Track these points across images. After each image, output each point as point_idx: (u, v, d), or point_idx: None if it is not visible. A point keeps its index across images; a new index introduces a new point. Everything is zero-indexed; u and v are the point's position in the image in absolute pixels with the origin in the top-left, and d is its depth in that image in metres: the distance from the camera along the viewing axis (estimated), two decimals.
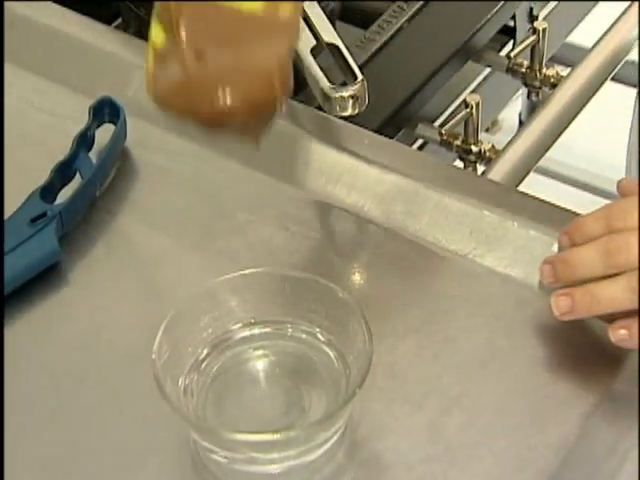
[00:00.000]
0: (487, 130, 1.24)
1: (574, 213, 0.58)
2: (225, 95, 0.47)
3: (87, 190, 0.62)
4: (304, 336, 0.54)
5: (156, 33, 0.47)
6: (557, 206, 0.60)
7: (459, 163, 0.75)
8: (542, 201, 0.61)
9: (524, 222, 0.59)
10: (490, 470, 0.50)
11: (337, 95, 0.61)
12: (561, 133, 0.74)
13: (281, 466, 0.50)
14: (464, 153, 0.76)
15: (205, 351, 0.53)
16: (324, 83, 0.62)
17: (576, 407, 0.52)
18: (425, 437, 0.51)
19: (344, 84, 0.62)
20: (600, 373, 0.53)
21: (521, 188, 0.70)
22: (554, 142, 0.74)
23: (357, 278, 0.60)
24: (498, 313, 0.56)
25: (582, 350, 0.54)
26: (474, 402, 0.52)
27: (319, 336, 0.53)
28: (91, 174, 0.62)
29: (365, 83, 0.61)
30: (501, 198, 0.61)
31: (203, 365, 0.53)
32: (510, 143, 0.73)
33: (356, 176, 0.63)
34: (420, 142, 0.79)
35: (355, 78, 0.61)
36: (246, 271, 0.53)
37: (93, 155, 0.64)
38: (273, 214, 0.62)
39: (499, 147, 0.75)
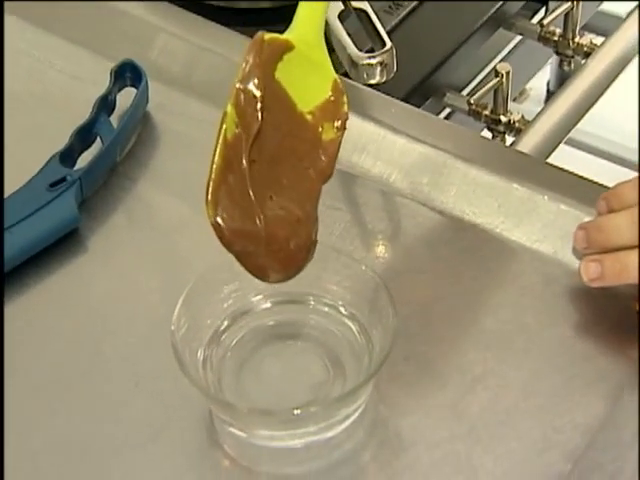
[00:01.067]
0: (514, 99, 1.22)
1: (606, 187, 0.56)
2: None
3: (107, 155, 0.61)
4: (326, 309, 0.52)
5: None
6: (589, 179, 0.58)
7: (487, 133, 0.73)
8: (573, 174, 0.59)
9: (554, 196, 0.57)
10: (514, 451, 0.48)
11: (365, 62, 0.59)
12: (593, 104, 0.71)
13: (300, 442, 0.49)
14: (493, 123, 0.74)
15: (225, 323, 0.52)
16: (351, 49, 0.60)
17: (604, 388, 0.50)
18: (448, 416, 0.50)
19: (372, 50, 0.60)
20: (630, 353, 0.51)
21: (551, 160, 0.68)
22: (586, 113, 0.72)
23: (382, 250, 0.58)
24: (525, 290, 0.55)
25: (611, 330, 0.53)
26: (499, 381, 0.51)
27: (342, 310, 0.52)
28: (112, 139, 0.61)
29: (393, 50, 0.59)
30: (531, 171, 0.59)
31: (223, 337, 0.52)
32: (540, 114, 0.71)
33: (382, 146, 0.62)
34: (447, 111, 0.77)
35: (383, 45, 0.59)
36: None
37: (114, 119, 0.63)
38: None
39: (527, 117, 0.73)
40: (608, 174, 0.73)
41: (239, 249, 0.46)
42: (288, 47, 0.48)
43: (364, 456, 0.49)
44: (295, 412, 0.47)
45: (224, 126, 0.45)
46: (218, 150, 0.45)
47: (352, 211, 0.60)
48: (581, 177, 0.59)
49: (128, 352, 0.54)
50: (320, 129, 0.49)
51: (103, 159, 0.61)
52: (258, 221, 0.46)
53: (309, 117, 0.48)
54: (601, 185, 0.57)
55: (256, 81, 0.46)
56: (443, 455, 0.48)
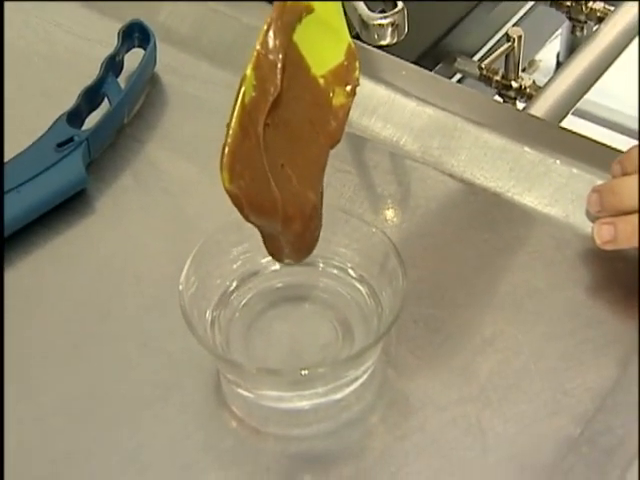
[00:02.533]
0: (524, 69, 1.21)
1: (618, 151, 0.56)
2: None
3: (115, 116, 0.60)
4: (335, 272, 0.52)
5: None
6: (602, 143, 0.58)
7: (498, 99, 0.72)
8: (586, 138, 0.58)
9: (566, 159, 0.57)
10: (524, 413, 0.48)
11: (376, 22, 0.58)
12: (606, 69, 0.71)
13: (308, 403, 0.48)
14: (503, 89, 0.73)
15: (234, 284, 0.51)
16: (362, 10, 0.59)
17: (615, 351, 0.50)
18: (457, 378, 0.49)
19: (383, 12, 0.59)
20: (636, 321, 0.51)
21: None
22: (598, 79, 0.71)
23: (391, 214, 0.58)
24: (536, 253, 0.54)
25: (623, 293, 0.52)
26: (509, 343, 0.50)
27: (351, 272, 0.52)
28: (119, 100, 0.60)
29: (405, 10, 0.58)
30: (543, 134, 0.59)
31: (231, 298, 0.51)
32: (552, 79, 0.71)
33: (392, 109, 0.61)
34: (458, 77, 0.76)
35: (395, 5, 0.59)
36: None
37: (122, 80, 0.62)
38: None
39: (541, 84, 0.72)
40: (617, 144, 0.73)
41: (257, 224, 0.46)
42: (308, 10, 0.47)
43: (372, 418, 0.48)
44: (303, 373, 0.46)
45: (242, 89, 0.45)
46: (235, 114, 0.45)
47: (361, 174, 0.60)
48: (594, 141, 0.58)
49: (136, 313, 0.53)
50: (331, 94, 0.48)
51: (111, 120, 0.60)
52: (273, 196, 0.45)
53: (322, 81, 0.47)
54: (614, 149, 0.57)
55: (277, 45, 0.45)
56: (452, 418, 0.48)
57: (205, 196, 0.59)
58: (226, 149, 0.44)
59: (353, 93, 0.49)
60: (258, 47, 0.45)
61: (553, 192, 0.56)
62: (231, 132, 0.44)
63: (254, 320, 0.51)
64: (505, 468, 0.46)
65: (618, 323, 0.51)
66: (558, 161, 0.57)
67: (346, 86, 0.48)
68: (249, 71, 0.45)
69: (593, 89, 0.71)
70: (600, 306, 0.52)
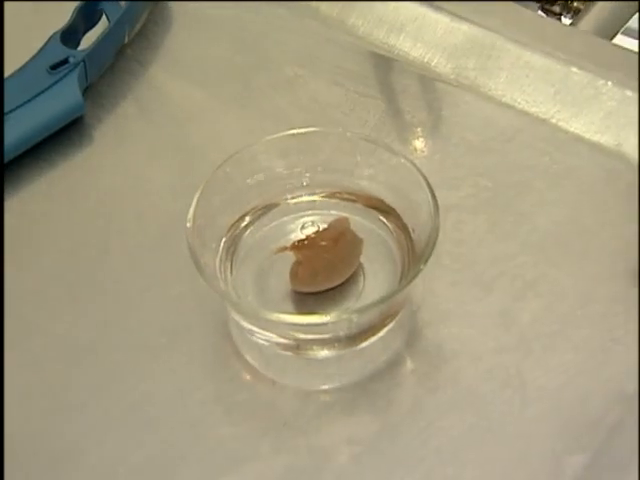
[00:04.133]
0: None
1: None
2: None
3: (114, 35, 0.59)
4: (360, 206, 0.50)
5: None
6: None
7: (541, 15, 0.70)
8: None
9: (619, 80, 0.55)
10: (569, 363, 0.46)
11: None
12: None
13: (330, 353, 0.47)
14: (547, 3, 0.70)
15: (247, 219, 0.50)
16: None
17: None
18: (495, 325, 0.48)
19: None
20: None
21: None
22: None
23: (421, 144, 0.56)
24: (584, 187, 0.52)
25: None
26: (553, 287, 0.49)
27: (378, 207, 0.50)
28: (119, 17, 0.59)
29: None
30: (592, 52, 0.57)
31: (244, 235, 0.50)
32: None
33: (422, 26, 0.59)
34: None
35: None
36: (294, 130, 0.50)
37: None
38: (325, 68, 0.59)
39: None
40: None
41: None
42: None
43: (401, 368, 0.47)
44: (324, 319, 0.45)
45: None
46: None
47: (388, 99, 0.58)
48: None
49: (138, 253, 0.52)
50: None
51: (109, 39, 0.58)
52: None
53: None
54: None
55: None
56: (489, 368, 0.46)
57: (214, 124, 0.57)
58: None
59: None
60: None
61: (603, 117, 0.54)
62: None
63: (270, 260, 0.49)
64: (547, 424, 0.45)
65: None
66: (610, 82, 0.55)
67: None
68: None
69: None
70: None
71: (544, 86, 0.56)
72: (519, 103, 0.56)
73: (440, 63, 0.58)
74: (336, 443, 0.45)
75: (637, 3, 0.68)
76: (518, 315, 0.48)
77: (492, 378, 0.46)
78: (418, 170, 0.48)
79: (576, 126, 0.54)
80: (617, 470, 0.43)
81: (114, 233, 0.53)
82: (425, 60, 0.58)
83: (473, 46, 0.58)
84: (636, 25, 0.95)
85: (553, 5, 0.70)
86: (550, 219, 0.51)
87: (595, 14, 0.66)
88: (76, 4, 0.59)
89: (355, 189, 0.50)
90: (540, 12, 0.72)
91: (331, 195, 0.51)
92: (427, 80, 0.58)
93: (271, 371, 0.47)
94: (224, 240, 0.49)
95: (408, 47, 0.59)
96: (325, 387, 0.47)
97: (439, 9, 0.59)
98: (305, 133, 0.50)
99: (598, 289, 0.49)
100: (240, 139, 0.55)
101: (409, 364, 0.47)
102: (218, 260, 0.48)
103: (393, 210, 0.49)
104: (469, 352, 0.47)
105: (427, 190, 0.47)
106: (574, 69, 0.56)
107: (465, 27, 0.58)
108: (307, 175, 0.50)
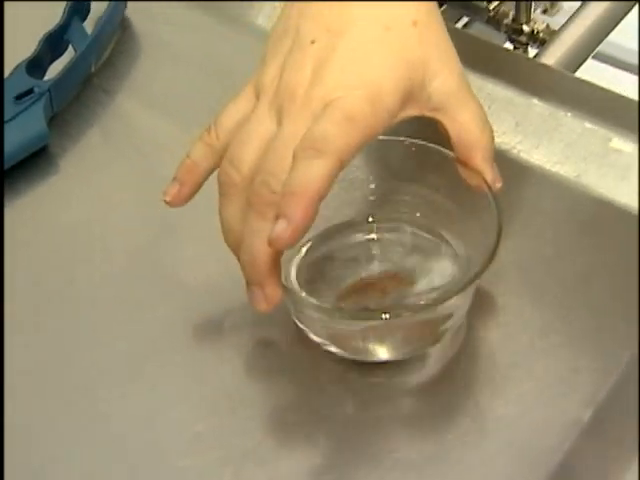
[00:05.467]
0: (545, 11, 1.19)
1: (637, 103, 0.55)
2: None
3: (80, 64, 0.60)
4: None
5: None
6: (617, 94, 0.57)
7: (507, 46, 0.72)
8: (600, 88, 0.57)
9: (579, 112, 0.56)
10: (527, 394, 0.47)
11: None
12: (628, 11, 0.69)
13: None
14: (514, 33, 0.72)
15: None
16: None
17: (630, 324, 0.49)
18: (454, 355, 0.49)
19: None
20: None
21: (577, 75, 0.66)
22: (618, 22, 0.70)
23: None
24: (545, 217, 0.53)
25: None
26: (513, 317, 0.50)
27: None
28: (85, 46, 0.60)
29: None
30: (553, 84, 0.58)
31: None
32: (568, 22, 0.70)
33: None
34: (465, 20, 0.75)
35: None
36: None
37: (88, 25, 0.61)
38: None
39: (556, 28, 0.71)
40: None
41: None
42: None
43: (355, 403, 0.48)
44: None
45: None
46: None
47: None
48: (610, 91, 0.57)
49: (104, 283, 0.53)
50: None
51: (76, 69, 0.59)
52: None
53: None
54: (631, 100, 0.56)
55: None
56: (448, 397, 0.47)
57: (180, 154, 0.57)
58: None
59: None
60: None
61: (564, 148, 0.55)
62: None
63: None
64: (505, 455, 0.46)
65: (633, 294, 0.50)
66: (570, 114, 0.56)
67: None
68: None
69: (620, 31, 0.70)
70: (614, 275, 0.51)
71: (506, 117, 0.57)
72: None
73: None
74: (296, 472, 0.46)
75: (604, 34, 0.70)
76: (478, 345, 0.49)
77: (452, 408, 0.47)
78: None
79: (537, 157, 0.56)
80: None
81: (79, 263, 0.54)
82: None
83: None
84: (609, 50, 0.97)
85: (520, 36, 0.71)
86: (511, 249, 0.52)
87: (560, 45, 0.68)
88: (42, 33, 0.59)
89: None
90: (508, 42, 0.74)
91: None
92: None
93: (236, 400, 0.48)
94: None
95: None
96: (287, 418, 0.48)
97: None
98: None
99: (558, 319, 0.50)
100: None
101: (366, 394, 0.48)
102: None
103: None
104: (428, 382, 0.48)
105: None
106: (535, 100, 0.57)
107: None
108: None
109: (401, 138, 0.50)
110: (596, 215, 0.53)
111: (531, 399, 0.47)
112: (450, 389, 0.48)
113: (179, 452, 0.46)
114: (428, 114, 0.47)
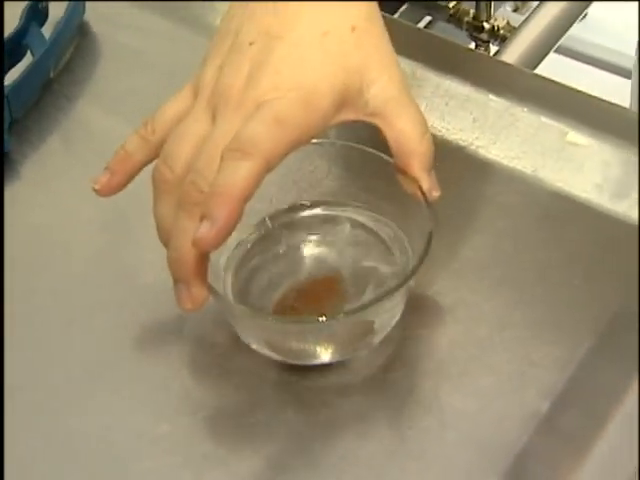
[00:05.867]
0: (516, 10, 1.20)
1: (593, 97, 0.55)
2: None
3: (39, 70, 0.60)
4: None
5: None
6: (573, 89, 0.57)
7: (463, 44, 0.72)
8: (556, 83, 0.58)
9: (535, 107, 0.56)
10: (486, 388, 0.48)
11: None
12: (587, 6, 0.70)
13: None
14: (475, 31, 0.72)
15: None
16: None
17: (586, 317, 0.50)
18: (413, 351, 0.49)
19: None
20: (615, 283, 0.51)
21: (539, 71, 0.66)
22: (578, 17, 0.70)
23: None
24: (502, 212, 0.54)
25: (596, 255, 0.52)
26: (471, 312, 0.50)
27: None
28: (44, 52, 0.60)
29: None
30: (510, 80, 0.58)
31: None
32: (528, 19, 0.70)
33: None
34: (427, 20, 0.75)
35: None
36: None
37: (46, 30, 0.61)
38: None
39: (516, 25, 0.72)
40: (603, 85, 0.72)
41: None
42: None
43: (318, 397, 0.48)
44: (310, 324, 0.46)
45: None
46: None
47: None
48: (565, 86, 0.57)
49: (63, 287, 0.53)
50: None
51: (34, 74, 0.59)
52: None
53: None
54: (587, 94, 0.56)
55: None
56: (408, 392, 0.48)
57: None
58: None
59: None
60: None
61: (521, 143, 0.56)
62: None
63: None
64: (465, 447, 0.46)
65: (590, 286, 0.51)
66: (526, 109, 0.56)
67: None
68: None
69: (584, 25, 0.71)
70: (571, 269, 0.51)
71: (463, 114, 0.57)
72: (439, 131, 0.57)
73: None
74: (255, 473, 0.46)
75: (563, 30, 0.70)
76: (437, 341, 0.49)
77: (412, 402, 0.48)
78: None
79: (495, 152, 0.56)
80: None
81: (40, 268, 0.54)
82: None
83: None
84: (572, 44, 0.98)
85: (481, 33, 0.72)
86: (469, 245, 0.53)
87: (521, 42, 0.68)
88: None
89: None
90: (471, 39, 0.74)
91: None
92: None
93: (195, 404, 0.48)
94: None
95: None
96: (245, 417, 0.48)
97: None
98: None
99: (515, 313, 0.50)
100: None
101: (326, 392, 0.48)
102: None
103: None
104: (388, 378, 0.48)
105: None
106: (492, 96, 0.57)
107: None
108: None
109: (334, 140, 0.51)
110: (553, 209, 0.53)
111: (490, 392, 0.48)
112: (409, 385, 0.48)
113: (138, 456, 0.47)
114: (366, 119, 0.47)
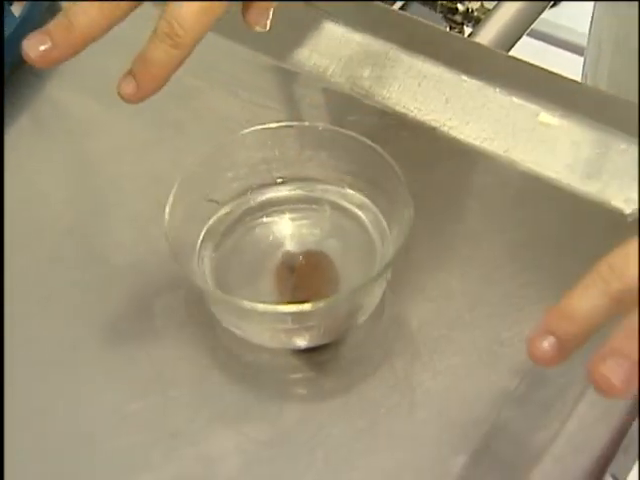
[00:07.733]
0: None
1: (565, 78, 0.56)
2: None
3: (9, 48, 0.59)
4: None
5: None
6: (546, 70, 0.57)
7: (436, 25, 0.72)
8: (528, 64, 0.58)
9: (507, 88, 0.57)
10: (456, 366, 0.48)
11: None
12: None
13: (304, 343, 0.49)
14: (449, 13, 0.73)
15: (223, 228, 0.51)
16: None
17: (556, 296, 0.50)
18: (383, 330, 0.49)
19: None
20: (585, 263, 0.51)
21: (513, 54, 0.67)
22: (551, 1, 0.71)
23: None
24: (474, 192, 0.54)
25: (566, 235, 0.52)
26: (441, 291, 0.51)
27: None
28: (13, 30, 0.59)
29: None
30: (482, 61, 0.59)
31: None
32: (500, 2, 0.70)
33: (319, 36, 0.61)
34: (402, 2, 0.76)
35: None
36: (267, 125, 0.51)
37: (15, 9, 0.61)
38: (223, 79, 0.60)
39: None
40: (576, 67, 0.73)
41: None
42: None
43: (290, 376, 0.49)
44: (291, 309, 0.46)
45: None
46: None
47: (285, 109, 0.59)
48: (536, 67, 0.58)
49: (34, 265, 0.53)
50: None
51: (4, 52, 0.59)
52: None
53: None
54: (558, 75, 0.57)
55: None
56: (378, 372, 0.48)
57: (112, 138, 0.58)
58: None
59: None
60: None
61: (493, 124, 0.56)
62: None
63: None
64: (435, 426, 0.47)
65: (560, 266, 0.51)
66: (498, 90, 0.57)
67: None
68: None
69: (556, 10, 0.71)
70: (541, 248, 0.52)
71: (436, 94, 0.58)
72: (412, 111, 0.57)
73: (335, 73, 0.59)
74: (226, 451, 0.46)
75: (536, 13, 0.71)
76: (406, 319, 0.50)
77: (381, 382, 0.48)
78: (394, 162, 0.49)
79: (467, 132, 0.56)
80: (499, 469, 0.45)
81: (11, 246, 0.54)
82: (321, 70, 0.60)
83: (367, 56, 0.59)
84: (543, 28, 0.98)
85: (455, 15, 0.72)
86: (439, 224, 0.53)
87: (494, 24, 0.69)
88: None
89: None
90: (445, 21, 0.74)
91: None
92: (323, 90, 0.59)
93: (166, 381, 0.49)
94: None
95: (304, 57, 0.60)
96: (217, 396, 0.48)
97: (335, 19, 0.61)
98: (277, 128, 0.51)
99: (486, 292, 0.51)
100: (138, 151, 0.57)
101: (298, 372, 0.49)
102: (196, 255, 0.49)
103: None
104: (358, 357, 0.49)
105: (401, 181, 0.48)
106: (464, 77, 0.58)
107: (359, 37, 0.60)
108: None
109: (316, 124, 0.51)
110: (524, 189, 0.54)
111: (459, 371, 0.48)
112: (379, 364, 0.48)
113: (108, 433, 0.47)
114: None
